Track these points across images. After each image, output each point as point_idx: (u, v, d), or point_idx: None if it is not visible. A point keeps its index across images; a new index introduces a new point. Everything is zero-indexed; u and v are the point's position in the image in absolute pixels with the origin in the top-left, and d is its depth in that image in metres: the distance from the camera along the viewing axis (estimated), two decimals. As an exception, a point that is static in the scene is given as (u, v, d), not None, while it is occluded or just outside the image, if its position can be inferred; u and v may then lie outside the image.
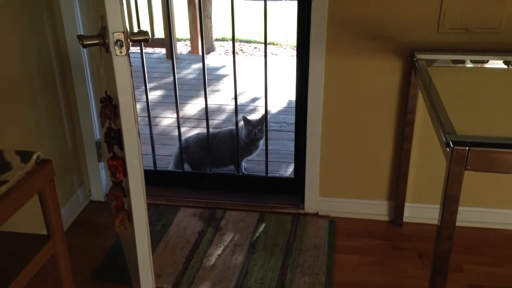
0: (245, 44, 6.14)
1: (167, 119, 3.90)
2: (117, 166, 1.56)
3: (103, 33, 1.42)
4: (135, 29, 3.00)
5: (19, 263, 1.34)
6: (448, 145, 1.28)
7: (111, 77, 1.42)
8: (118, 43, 1.34)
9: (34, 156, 1.36)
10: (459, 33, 2.01)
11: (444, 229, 1.35)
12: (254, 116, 3.44)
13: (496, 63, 1.98)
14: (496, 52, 2.00)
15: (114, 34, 1.33)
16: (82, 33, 2.23)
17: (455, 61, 1.99)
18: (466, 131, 1.35)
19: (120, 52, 1.36)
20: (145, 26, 5.07)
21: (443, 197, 1.32)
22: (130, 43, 1.41)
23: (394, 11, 2.01)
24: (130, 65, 1.40)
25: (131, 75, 1.41)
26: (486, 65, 1.99)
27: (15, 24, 1.98)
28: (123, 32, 1.34)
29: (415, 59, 1.98)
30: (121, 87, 1.40)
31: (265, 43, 2.53)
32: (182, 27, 6.03)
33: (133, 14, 4.08)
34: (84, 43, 1.45)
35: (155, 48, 5.70)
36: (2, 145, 1.85)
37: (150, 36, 1.52)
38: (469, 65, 1.99)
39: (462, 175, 1.28)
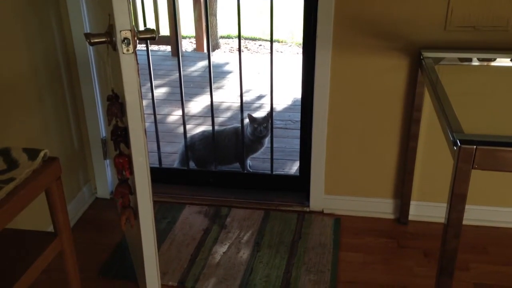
0: (250, 41, 6.13)
1: (172, 117, 3.90)
2: (124, 164, 1.57)
3: (110, 31, 1.42)
4: (141, 27, 3.01)
5: (26, 260, 1.35)
6: (455, 143, 1.27)
7: (118, 75, 1.42)
8: (125, 41, 1.34)
9: (41, 154, 1.37)
10: (467, 31, 2.00)
11: (451, 227, 1.34)
12: (259, 114, 3.44)
13: (504, 61, 1.97)
14: (503, 50, 1.99)
15: (121, 32, 1.34)
16: (88, 31, 2.23)
17: (462, 59, 1.98)
18: (473, 129, 1.34)
19: (127, 50, 1.36)
20: (150, 24, 5.07)
21: (450, 196, 1.32)
22: (137, 41, 1.41)
23: (401, 9, 2.01)
24: (137, 63, 1.40)
25: (138, 73, 1.42)
26: (493, 63, 1.98)
27: (21, 22, 1.98)
28: (130, 30, 1.34)
29: (422, 57, 1.97)
30: (128, 85, 1.41)
31: (271, 41, 2.53)
32: (186, 25, 6.03)
33: (139, 12, 4.08)
34: (91, 41, 1.45)
35: (160, 46, 5.70)
36: (9, 143, 1.85)
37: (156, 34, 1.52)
38: (476, 63, 1.98)
39: (470, 174, 1.28)
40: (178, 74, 2.68)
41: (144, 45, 2.62)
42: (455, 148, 1.27)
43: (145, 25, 3.08)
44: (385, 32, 2.06)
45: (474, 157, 1.26)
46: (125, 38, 1.34)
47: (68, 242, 1.50)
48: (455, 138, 1.28)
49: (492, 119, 1.57)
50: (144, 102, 3.79)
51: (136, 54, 1.39)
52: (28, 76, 2.05)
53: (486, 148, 1.25)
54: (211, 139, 2.84)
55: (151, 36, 1.46)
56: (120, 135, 1.56)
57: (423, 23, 2.02)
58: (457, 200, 1.31)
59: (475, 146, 1.25)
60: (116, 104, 1.53)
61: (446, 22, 2.00)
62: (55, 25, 2.20)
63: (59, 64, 2.26)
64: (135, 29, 1.39)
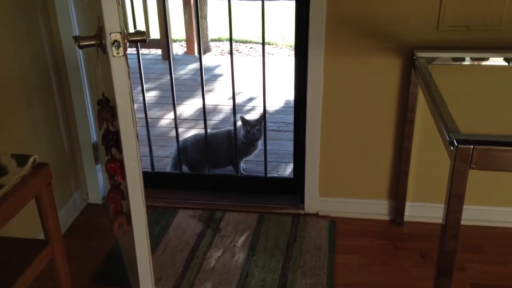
0: (241, 44, 6.11)
1: (164, 120, 3.87)
2: (115, 169, 1.54)
3: (99, 33, 1.39)
4: (131, 30, 2.98)
5: (17, 269, 1.32)
6: (452, 144, 1.26)
7: (109, 79, 1.40)
8: (115, 43, 1.32)
9: (31, 160, 1.34)
10: (459, 30, 1.99)
11: (449, 228, 1.33)
12: (251, 116, 3.42)
13: (497, 61, 1.97)
14: (496, 49, 1.98)
15: (111, 34, 1.31)
16: (77, 34, 2.20)
17: (455, 59, 1.97)
18: (469, 129, 1.33)
19: (118, 53, 1.33)
20: (140, 27, 5.04)
21: (447, 197, 1.30)
22: (127, 43, 1.38)
23: (394, 8, 2.00)
24: (128, 66, 1.38)
25: (129, 76, 1.39)
26: (487, 63, 1.97)
27: (9, 26, 1.95)
28: (120, 33, 1.32)
29: (415, 57, 1.96)
30: (119, 89, 1.38)
31: (263, 43, 2.51)
32: (176, 28, 6.00)
33: (129, 15, 4.04)
34: (81, 44, 1.42)
35: (150, 49, 5.66)
36: (-3, 149, 1.82)
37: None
38: (470, 62, 1.98)
39: (467, 174, 1.26)
40: (169, 78, 2.65)
41: (135, 48, 2.59)
42: (452, 148, 1.26)
43: (135, 28, 3.05)
44: (378, 32, 2.04)
45: (472, 157, 1.25)
46: (115, 41, 1.31)
47: (60, 250, 1.47)
48: (452, 138, 1.27)
49: (487, 118, 1.56)
50: (135, 106, 3.76)
51: (126, 57, 1.36)
52: (17, 81, 2.01)
53: (484, 148, 1.24)
54: (204, 142, 2.81)
55: (141, 39, 1.44)
56: (111, 139, 1.53)
57: (415, 23, 2.01)
58: (454, 201, 1.30)
59: (472, 146, 1.24)
60: (106, 108, 1.50)
61: (439, 22, 1.99)
62: (43, 29, 2.17)
63: (48, 68, 2.22)
64: (125, 31, 1.36)
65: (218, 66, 5.20)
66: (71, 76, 2.30)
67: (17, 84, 2.01)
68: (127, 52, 1.37)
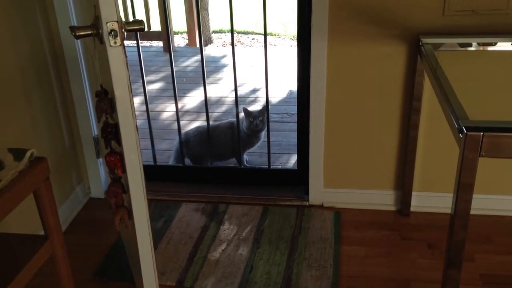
0: (243, 35, 6.06)
1: (166, 113, 3.84)
2: (115, 162, 1.51)
3: (96, 23, 1.36)
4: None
5: (16, 265, 1.29)
6: (461, 131, 1.22)
7: (106, 69, 1.36)
8: (112, 33, 1.28)
9: (28, 154, 1.30)
10: (466, 15, 1.94)
11: (458, 218, 1.29)
12: (254, 107, 3.38)
13: (504, 46, 1.92)
14: (504, 34, 1.93)
15: (108, 23, 1.28)
16: (75, 25, 2.16)
17: (462, 45, 1.93)
18: (478, 116, 1.29)
19: (115, 43, 1.30)
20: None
21: (456, 186, 1.27)
22: (125, 33, 1.35)
23: (398, -6, 1.95)
24: (126, 56, 1.34)
25: (127, 67, 1.35)
26: (494, 48, 1.93)
27: (6, 18, 1.91)
28: (117, 22, 1.28)
29: (421, 43, 1.91)
30: (117, 79, 1.35)
31: (265, 33, 2.47)
32: (178, 20, 5.96)
33: (129, 8, 4.00)
34: (77, 34, 1.39)
35: (152, 42, 5.63)
36: (-4, 143, 1.79)
37: (147, 29, 1.45)
38: (477, 48, 1.93)
39: (477, 162, 1.22)
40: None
41: (135, 40, 2.55)
42: (461, 135, 1.22)
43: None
44: (382, 18, 2.00)
45: (481, 144, 1.21)
46: (112, 30, 1.28)
47: (60, 245, 1.44)
48: (461, 126, 1.23)
49: (495, 104, 1.53)
50: (137, 99, 3.74)
51: (124, 47, 1.33)
52: (15, 74, 1.98)
53: (494, 135, 1.20)
54: (206, 134, 2.78)
55: (139, 28, 1.40)
56: (110, 132, 1.49)
57: (421, 8, 1.96)
58: (464, 190, 1.26)
59: (482, 133, 1.20)
60: (105, 100, 1.46)
61: (445, 7, 1.94)
62: (40, 20, 2.13)
63: (47, 60, 2.19)
64: (122, 20, 1.32)
65: (224, 56, 5.16)
66: (70, 68, 2.26)
67: (15, 77, 1.98)
68: (128, 45, 1.33)
